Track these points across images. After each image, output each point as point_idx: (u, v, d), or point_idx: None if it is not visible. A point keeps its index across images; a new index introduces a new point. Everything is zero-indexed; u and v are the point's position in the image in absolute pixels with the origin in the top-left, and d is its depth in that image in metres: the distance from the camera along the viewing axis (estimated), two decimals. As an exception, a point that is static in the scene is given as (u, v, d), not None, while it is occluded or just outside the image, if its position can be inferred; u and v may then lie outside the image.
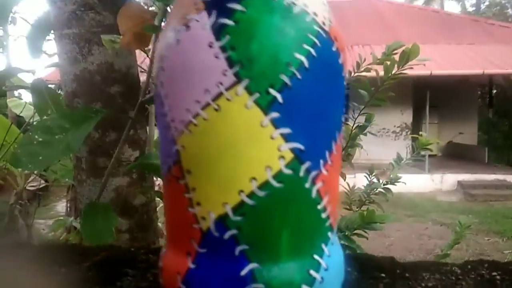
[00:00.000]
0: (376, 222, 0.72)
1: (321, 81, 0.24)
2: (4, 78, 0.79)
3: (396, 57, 0.84)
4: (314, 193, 0.25)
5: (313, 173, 0.25)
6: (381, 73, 0.86)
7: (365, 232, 0.76)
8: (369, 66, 0.89)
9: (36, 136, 0.56)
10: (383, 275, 0.35)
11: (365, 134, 0.90)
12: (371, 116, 0.87)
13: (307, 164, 0.24)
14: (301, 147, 0.24)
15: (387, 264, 0.37)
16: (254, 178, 0.23)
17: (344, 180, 0.95)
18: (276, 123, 0.23)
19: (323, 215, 0.26)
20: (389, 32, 9.37)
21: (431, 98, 7.95)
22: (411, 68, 0.77)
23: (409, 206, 5.87)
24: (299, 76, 0.23)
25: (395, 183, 1.12)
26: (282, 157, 0.23)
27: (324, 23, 0.25)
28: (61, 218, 1.77)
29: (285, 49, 0.23)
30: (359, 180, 1.19)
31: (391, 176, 1.14)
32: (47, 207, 5.09)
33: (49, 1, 0.74)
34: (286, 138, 0.23)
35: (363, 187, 1.14)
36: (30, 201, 2.20)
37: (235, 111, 0.23)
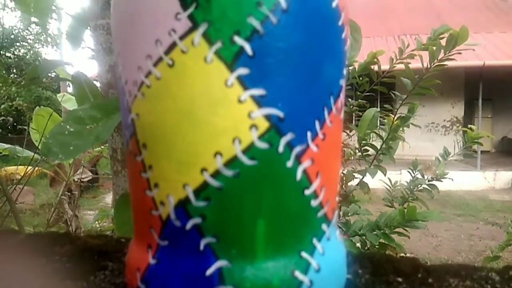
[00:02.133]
0: (418, 220, 0.67)
1: (306, 28, 0.19)
2: (43, 70, 0.81)
3: (443, 43, 0.78)
4: (299, 175, 0.20)
5: (298, 149, 0.19)
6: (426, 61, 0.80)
7: (406, 230, 0.71)
8: (413, 53, 0.84)
9: (68, 126, 0.57)
10: (400, 279, 0.30)
11: (408, 126, 0.85)
12: (414, 106, 0.81)
13: (288, 137, 0.19)
14: (280, 113, 0.19)
15: (407, 266, 0.31)
16: (219, 153, 0.18)
17: (385, 175, 0.90)
18: (245, 82, 0.18)
19: (313, 203, 0.20)
20: (438, 20, 8.94)
21: (484, 90, 7.51)
22: (459, 53, 0.70)
23: (459, 205, 5.59)
24: (274, 20, 0.18)
25: (441, 179, 1.06)
26: (254, 126, 0.18)
27: None
28: (105, 208, 1.84)
29: None
30: (405, 177, 1.13)
31: (437, 172, 1.07)
32: (96, 199, 5.33)
33: (85, -7, 0.74)
34: (259, 101, 0.18)
35: (406, 184, 1.08)
36: (78, 193, 2.30)
37: (192, 66, 0.18)
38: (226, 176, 0.19)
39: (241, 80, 0.18)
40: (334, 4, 0.20)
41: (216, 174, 0.19)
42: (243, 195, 0.19)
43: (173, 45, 0.18)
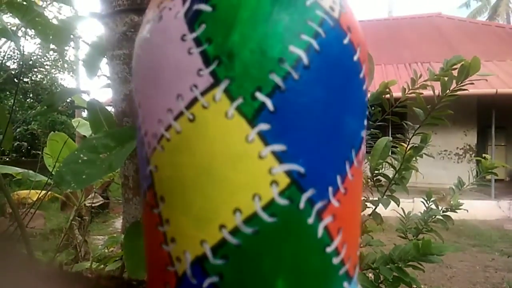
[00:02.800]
0: (434, 254, 0.65)
1: (328, 83, 0.19)
2: (60, 98, 0.83)
3: (455, 73, 0.78)
4: (320, 231, 0.19)
5: (319, 205, 0.19)
6: (438, 92, 0.80)
7: (420, 264, 0.69)
8: (426, 83, 0.84)
9: (81, 155, 0.57)
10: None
11: (421, 156, 0.84)
12: (427, 136, 0.81)
13: (309, 193, 0.18)
14: (301, 169, 0.18)
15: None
16: (238, 210, 0.18)
17: (398, 206, 0.89)
18: (266, 138, 0.18)
19: (335, 261, 0.19)
20: (450, 49, 8.99)
21: (497, 118, 7.44)
22: (472, 83, 0.70)
23: (473, 235, 5.45)
24: (295, 76, 0.18)
25: (456, 210, 1.04)
26: (274, 182, 0.18)
27: (332, 8, 0.19)
28: (115, 235, 1.83)
29: (276, 40, 0.17)
30: (418, 206, 1.11)
31: (452, 202, 1.05)
32: (106, 224, 5.33)
33: (102, 23, 0.76)
34: (280, 157, 0.18)
35: (420, 214, 1.06)
36: (89, 218, 2.30)
37: (213, 122, 0.18)
38: (245, 234, 0.18)
39: (262, 135, 0.18)
40: (355, 58, 0.20)
41: (235, 231, 0.18)
42: (262, 253, 0.18)
43: (194, 100, 0.18)
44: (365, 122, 0.22)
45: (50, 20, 1.01)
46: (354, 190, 0.21)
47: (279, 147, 0.18)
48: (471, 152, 8.63)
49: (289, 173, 0.18)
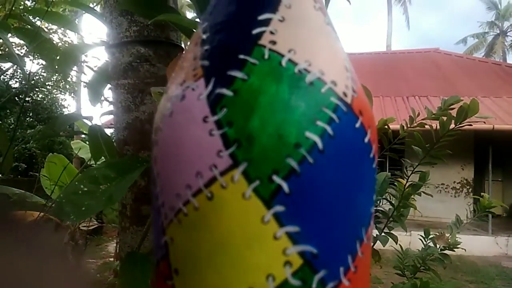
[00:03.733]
0: (432, 295, 0.64)
1: (341, 166, 0.19)
2: (61, 125, 0.83)
3: (454, 112, 0.80)
4: None
5: (330, 285, 0.19)
6: (436, 126, 0.81)
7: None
8: (424, 121, 0.85)
9: (82, 186, 0.57)
10: None
11: (419, 194, 0.84)
12: (425, 175, 0.81)
13: (321, 273, 0.19)
14: (314, 250, 0.19)
15: None
16: None
17: (396, 243, 0.88)
18: (281, 219, 0.18)
19: None
20: (447, 84, 9.13)
21: (494, 153, 7.48)
22: (470, 125, 0.71)
23: (470, 271, 5.38)
24: (310, 161, 0.19)
25: (454, 249, 1.03)
26: (288, 262, 0.18)
27: (345, 94, 0.20)
28: (108, 261, 1.80)
29: (293, 126, 0.19)
30: (415, 239, 1.11)
31: (450, 240, 1.05)
32: (99, 247, 5.25)
33: (108, 53, 0.78)
34: (294, 238, 0.19)
35: (417, 251, 1.05)
36: (83, 242, 2.27)
37: (231, 201, 0.19)
38: None
39: (278, 216, 0.18)
40: (366, 140, 0.21)
41: None
42: None
43: (213, 179, 0.19)
44: (374, 197, 0.22)
45: (57, 46, 1.03)
46: (364, 266, 0.21)
47: (293, 229, 0.19)
48: (468, 187, 8.63)
49: (302, 254, 0.19)
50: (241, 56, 0.20)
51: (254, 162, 0.18)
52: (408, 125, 0.88)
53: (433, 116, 0.84)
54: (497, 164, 8.41)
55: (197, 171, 0.19)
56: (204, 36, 0.22)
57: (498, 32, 20.98)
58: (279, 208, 0.18)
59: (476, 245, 6.32)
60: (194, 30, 0.65)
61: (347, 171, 0.20)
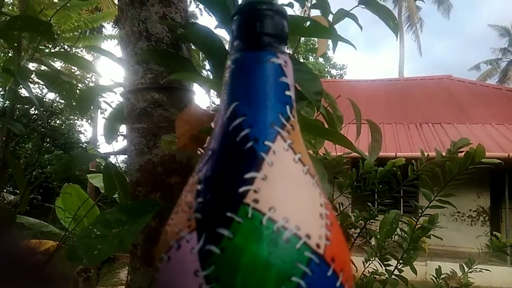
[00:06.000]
0: None
1: None
2: (80, 163, 0.87)
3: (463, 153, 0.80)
4: None
5: None
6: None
7: None
8: (433, 163, 0.86)
9: (95, 230, 0.59)
10: None
11: (429, 237, 0.84)
12: (434, 218, 0.81)
13: None
14: None
15: None
16: None
17: (407, 286, 0.88)
18: None
19: None
20: (461, 111, 9.08)
21: (510, 182, 7.34)
22: (475, 169, 0.72)
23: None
24: None
25: (467, 289, 1.01)
26: None
27: (318, 246, 0.23)
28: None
29: (271, 284, 0.21)
30: (431, 269, 1.09)
31: (462, 280, 1.03)
32: (111, 274, 5.23)
33: (125, 98, 0.81)
34: None
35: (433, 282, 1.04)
36: (95, 271, 2.28)
37: None
38: None
39: None
40: (338, 283, 0.23)
41: None
42: None
43: None
44: None
45: (75, 86, 1.08)
46: None
47: None
48: (484, 215, 8.44)
49: None
50: (228, 214, 0.22)
51: None
52: (418, 167, 0.89)
53: (442, 158, 0.84)
54: (515, 192, 8.23)
55: None
56: (199, 187, 0.24)
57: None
58: None
59: (494, 276, 6.12)
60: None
61: None
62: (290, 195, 0.23)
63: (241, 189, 0.23)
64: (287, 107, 0.26)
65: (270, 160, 0.24)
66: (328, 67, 20.50)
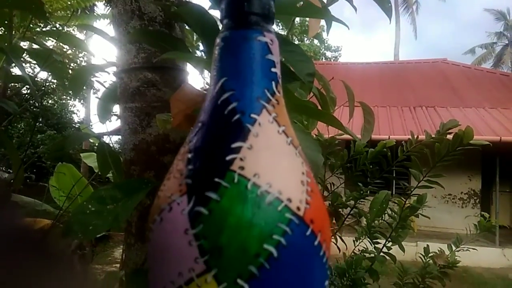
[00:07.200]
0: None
1: (292, 267, 0.24)
2: (72, 143, 0.87)
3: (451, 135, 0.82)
4: None
5: None
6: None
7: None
8: (421, 145, 0.87)
9: (90, 206, 0.60)
10: None
11: (417, 216, 0.86)
12: (422, 198, 0.83)
13: None
14: None
15: None
16: None
17: (395, 263, 0.90)
18: None
19: None
20: (455, 94, 9.11)
21: (501, 165, 7.43)
22: (461, 151, 0.74)
23: (477, 283, 5.34)
24: (267, 266, 0.23)
25: (453, 268, 1.04)
26: None
27: (298, 208, 0.25)
28: (114, 269, 1.83)
29: (254, 241, 0.23)
30: (421, 250, 1.12)
31: (449, 259, 1.06)
32: (105, 253, 5.28)
33: (118, 77, 0.81)
34: None
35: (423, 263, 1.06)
36: (90, 249, 2.30)
37: None
38: None
39: None
40: (316, 243, 0.25)
41: None
42: None
43: (191, 280, 0.23)
44: (326, 283, 0.27)
45: (68, 66, 1.07)
46: None
47: None
48: (475, 197, 8.57)
49: None
50: (216, 179, 0.24)
51: (223, 269, 0.23)
52: (408, 147, 0.90)
53: (431, 139, 0.86)
54: (505, 175, 8.33)
55: (179, 272, 0.24)
56: (190, 156, 0.26)
57: (507, 42, 20.90)
58: None
59: (483, 256, 6.26)
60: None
61: (298, 269, 0.24)
62: (273, 163, 0.25)
63: (228, 157, 0.25)
64: (273, 83, 0.27)
65: (256, 131, 0.26)
66: (323, 49, 20.36)
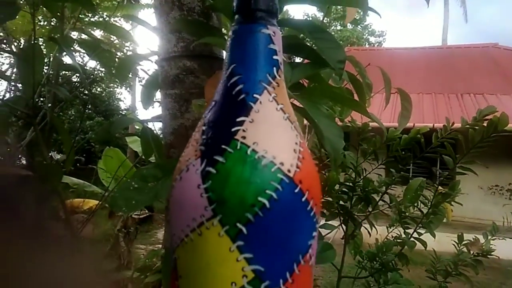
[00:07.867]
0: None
1: (282, 216, 0.29)
2: (117, 127, 0.93)
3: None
4: None
5: None
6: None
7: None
8: (457, 131, 0.86)
9: (133, 183, 0.66)
10: None
11: (450, 203, 0.86)
12: (455, 184, 0.83)
13: (267, 283, 0.29)
14: (261, 268, 0.29)
15: None
16: None
17: (425, 248, 0.91)
18: (241, 249, 0.28)
19: None
20: (506, 81, 8.62)
21: (556, 155, 7.00)
22: (496, 137, 0.73)
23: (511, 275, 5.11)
24: (261, 214, 0.28)
25: (488, 256, 1.03)
26: (245, 275, 0.29)
27: (289, 170, 0.30)
28: (156, 248, 1.93)
29: (250, 194, 0.28)
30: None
31: (484, 247, 1.05)
32: (149, 234, 5.51)
33: (159, 65, 0.86)
34: (249, 261, 0.29)
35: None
36: (134, 229, 2.43)
37: (211, 237, 0.29)
38: None
39: (239, 248, 0.29)
40: (303, 199, 0.30)
41: None
42: None
43: (201, 223, 0.29)
44: (314, 233, 0.31)
45: (114, 54, 1.14)
46: (301, 280, 0.31)
47: (248, 255, 0.29)
48: (525, 190, 8.14)
49: (254, 271, 0.29)
50: (223, 146, 0.30)
51: (226, 215, 0.29)
52: (443, 134, 0.90)
53: (467, 126, 0.85)
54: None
55: (193, 217, 0.30)
56: (204, 128, 0.32)
57: None
58: (240, 243, 0.29)
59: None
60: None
61: (287, 220, 0.30)
62: (270, 134, 0.30)
63: (233, 129, 0.30)
64: (274, 68, 0.32)
65: (257, 108, 0.31)
66: (367, 34, 19.81)
